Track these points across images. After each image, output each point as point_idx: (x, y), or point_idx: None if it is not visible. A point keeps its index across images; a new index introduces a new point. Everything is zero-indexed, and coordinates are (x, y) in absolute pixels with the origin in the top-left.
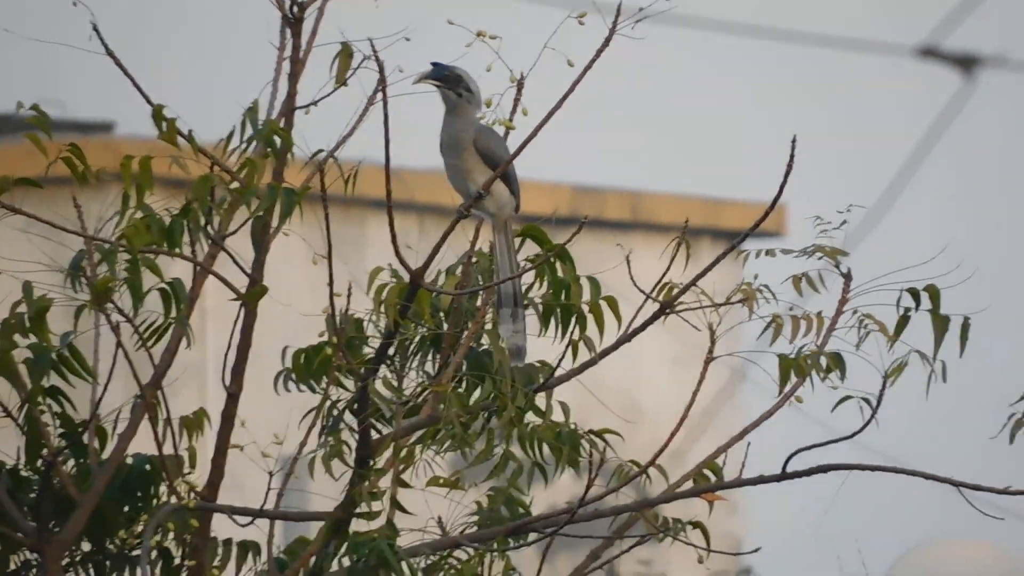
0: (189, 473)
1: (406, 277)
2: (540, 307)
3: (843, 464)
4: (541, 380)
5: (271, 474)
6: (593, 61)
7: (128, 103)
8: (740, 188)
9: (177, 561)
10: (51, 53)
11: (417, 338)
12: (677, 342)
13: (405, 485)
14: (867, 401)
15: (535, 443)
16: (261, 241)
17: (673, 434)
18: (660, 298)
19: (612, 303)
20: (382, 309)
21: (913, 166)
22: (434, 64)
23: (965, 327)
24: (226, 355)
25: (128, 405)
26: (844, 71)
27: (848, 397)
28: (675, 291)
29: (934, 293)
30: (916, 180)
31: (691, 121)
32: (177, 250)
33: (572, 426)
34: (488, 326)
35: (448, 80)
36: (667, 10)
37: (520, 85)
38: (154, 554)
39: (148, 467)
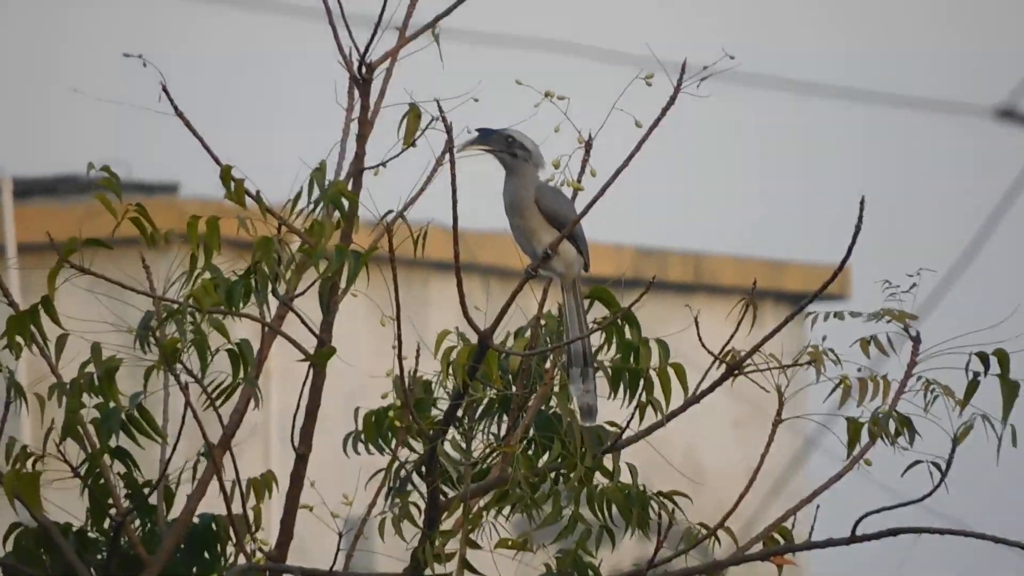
0: (260, 531)
1: (473, 339)
2: (609, 370)
3: (913, 528)
4: (609, 441)
5: (340, 535)
6: (658, 121)
7: (192, 164)
8: (802, 250)
9: None
10: (115, 114)
11: (485, 400)
12: (739, 404)
13: (475, 546)
14: (936, 465)
15: (604, 505)
16: (329, 302)
17: (742, 496)
18: (726, 360)
19: (679, 370)
20: (450, 370)
21: (989, 229)
22: (479, 130)
23: None
24: (295, 416)
25: (193, 463)
26: (918, 131)
27: (918, 461)
28: (741, 354)
29: (1003, 357)
30: (991, 243)
31: (754, 181)
32: (243, 310)
33: (640, 488)
34: (557, 388)
35: (496, 143)
36: (731, 68)
37: (588, 146)
38: None
39: (214, 527)
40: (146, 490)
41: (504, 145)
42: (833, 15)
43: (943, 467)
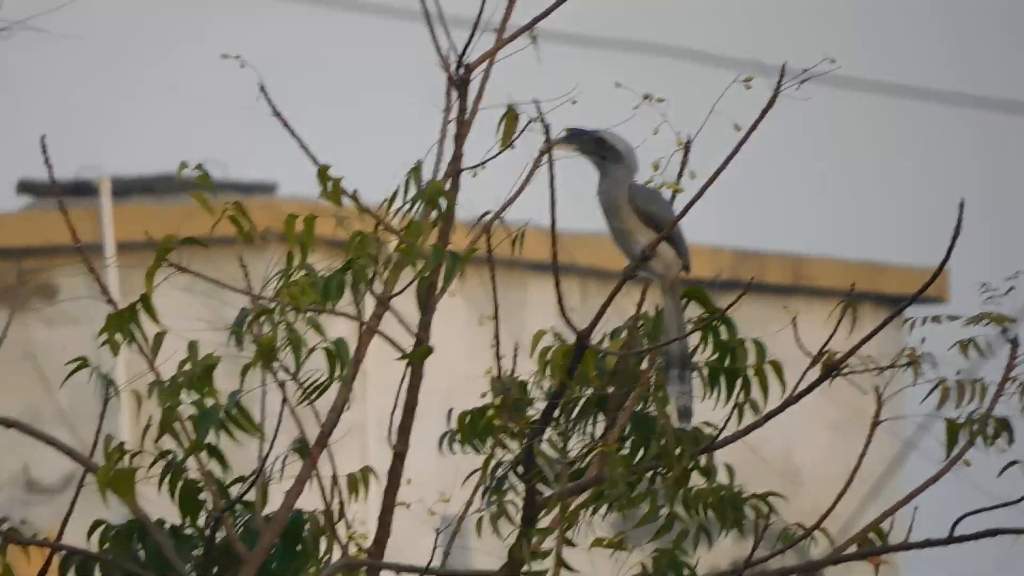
0: (362, 525)
1: (570, 340)
2: (706, 370)
3: (1011, 528)
4: (705, 443)
5: (438, 532)
6: (756, 123)
7: (290, 164)
8: (901, 252)
9: None
10: (214, 114)
11: (583, 400)
12: (837, 407)
13: (571, 544)
14: None
15: (699, 505)
16: (426, 302)
17: (839, 497)
18: (824, 362)
19: (777, 368)
20: (547, 370)
21: None
22: (570, 129)
23: None
24: (392, 414)
25: (285, 458)
26: (1018, 134)
27: (1015, 461)
28: (838, 355)
29: None
30: None
31: (854, 184)
32: (340, 309)
33: (736, 489)
34: (653, 388)
35: (585, 144)
36: (832, 71)
37: (687, 148)
38: None
39: (307, 523)
40: (239, 486)
41: (594, 147)
42: (931, 19)
43: None
